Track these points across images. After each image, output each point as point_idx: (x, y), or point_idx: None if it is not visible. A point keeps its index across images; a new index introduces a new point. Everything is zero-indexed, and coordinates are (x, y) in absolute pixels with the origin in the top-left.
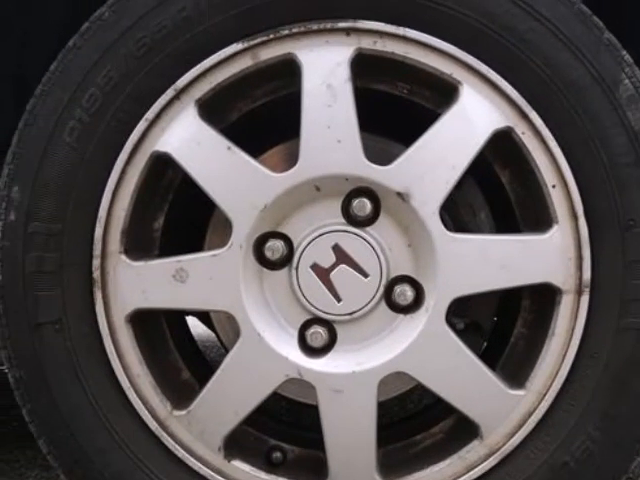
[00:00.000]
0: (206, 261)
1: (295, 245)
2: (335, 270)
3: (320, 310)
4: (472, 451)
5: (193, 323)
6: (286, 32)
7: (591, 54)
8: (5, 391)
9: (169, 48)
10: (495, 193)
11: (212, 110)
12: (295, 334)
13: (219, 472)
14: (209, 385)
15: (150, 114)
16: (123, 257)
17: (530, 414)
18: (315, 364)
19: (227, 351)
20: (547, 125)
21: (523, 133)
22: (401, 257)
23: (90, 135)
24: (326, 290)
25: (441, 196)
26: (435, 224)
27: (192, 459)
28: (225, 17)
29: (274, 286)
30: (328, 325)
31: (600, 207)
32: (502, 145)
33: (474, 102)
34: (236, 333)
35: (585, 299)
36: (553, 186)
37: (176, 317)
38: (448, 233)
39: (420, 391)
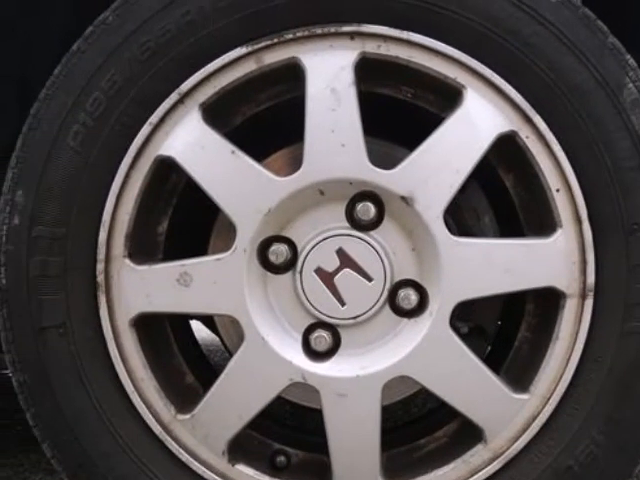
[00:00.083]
0: (210, 265)
1: (299, 249)
2: (339, 274)
3: (324, 314)
4: (476, 455)
5: (197, 327)
6: (290, 36)
7: (595, 58)
8: (9, 395)
9: (173, 52)
10: (499, 197)
11: (216, 114)
12: (299, 338)
13: (223, 476)
14: (213, 389)
15: (154, 118)
16: (127, 261)
17: (534, 418)
18: (319, 368)
19: (231, 355)
20: (551, 129)
21: (527, 137)
22: (405, 261)
23: (94, 139)
24: (330, 294)
25: (445, 200)
26: (439, 228)
27: (196, 463)
28: (229, 21)
29: (278, 290)
30: (332, 329)
31: (604, 211)
32: (506, 149)
33: (478, 106)
34: (240, 337)
35: (589, 303)
36: (557, 190)
37: (180, 321)
38: (452, 237)
39: (424, 395)
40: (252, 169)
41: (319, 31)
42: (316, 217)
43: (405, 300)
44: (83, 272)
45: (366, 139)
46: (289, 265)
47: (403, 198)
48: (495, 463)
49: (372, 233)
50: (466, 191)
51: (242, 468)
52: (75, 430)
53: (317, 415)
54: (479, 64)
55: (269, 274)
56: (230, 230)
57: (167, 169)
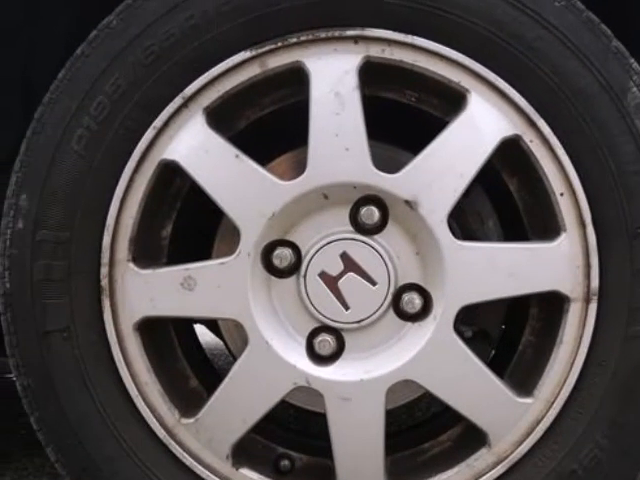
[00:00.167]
0: (214, 269)
1: (303, 253)
2: (343, 278)
3: (328, 318)
4: (480, 459)
5: (201, 331)
6: (294, 40)
7: (599, 62)
8: (13, 399)
9: (177, 56)
10: (503, 201)
11: (220, 118)
12: (303, 342)
13: None
14: (217, 393)
15: (158, 122)
16: (131, 265)
17: (538, 422)
18: (323, 372)
19: (235, 359)
20: (555, 133)
21: (531, 141)
22: (409, 265)
23: (98, 143)
24: (334, 298)
25: (449, 204)
26: (443, 232)
27: (200, 467)
28: (233, 25)
29: (282, 294)
30: (336, 333)
31: (608, 215)
32: (510, 153)
33: (482, 110)
34: (244, 341)
35: (593, 307)
36: (561, 194)
37: (184, 325)
38: (456, 241)
39: (428, 399)
40: (256, 173)
41: (323, 35)
42: (320, 221)
43: (409, 304)
44: (87, 276)
45: (370, 143)
46: (293, 269)
47: (407, 202)
48: (499, 467)
49: (376, 237)
50: (470, 195)
51: (246, 472)
52: (79, 434)
53: (321, 419)
54: (483, 68)
55: (273, 278)
56: (234, 234)
57: (171, 173)
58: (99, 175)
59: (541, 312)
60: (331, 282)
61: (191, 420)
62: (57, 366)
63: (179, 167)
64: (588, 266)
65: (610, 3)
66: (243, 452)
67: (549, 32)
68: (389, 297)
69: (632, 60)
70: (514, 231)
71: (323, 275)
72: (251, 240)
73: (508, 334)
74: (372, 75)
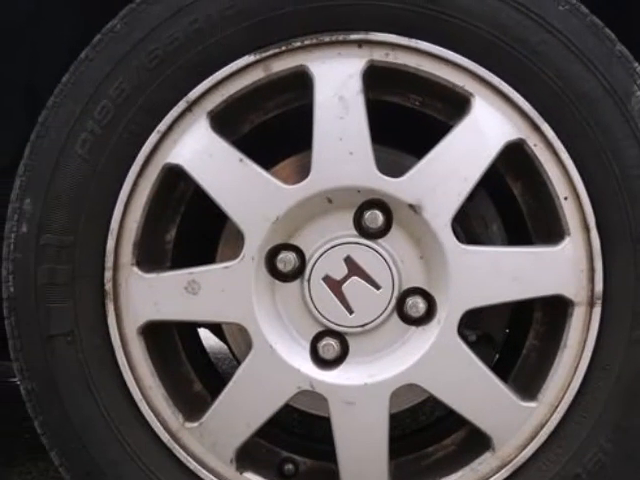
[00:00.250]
0: (218, 273)
1: (307, 257)
2: (347, 282)
3: (332, 322)
4: (484, 463)
5: (205, 335)
6: (298, 44)
7: (603, 66)
8: (17, 403)
9: (181, 60)
10: (507, 205)
11: (224, 122)
12: (307, 346)
13: None
14: (221, 397)
15: (162, 126)
16: (135, 269)
17: (542, 426)
18: (327, 376)
19: (239, 363)
20: (559, 137)
21: (535, 145)
22: (413, 269)
23: (102, 147)
24: (338, 302)
25: (453, 208)
26: (447, 236)
27: (204, 471)
28: (237, 29)
29: (286, 298)
30: (340, 337)
31: (612, 219)
32: (514, 157)
33: (486, 114)
34: (248, 345)
35: (597, 311)
36: (565, 198)
37: (188, 329)
38: (460, 245)
39: (432, 403)
40: (260, 177)
41: (327, 39)
42: (324, 225)
43: (413, 308)
44: (91, 280)
45: (374, 147)
46: (297, 273)
47: (411, 206)
48: (503, 471)
49: (380, 241)
50: (474, 199)
51: (250, 476)
52: (83, 438)
53: (325, 423)
54: (487, 72)
55: (277, 282)
56: (238, 238)
57: (175, 177)
58: (103, 179)
59: (545, 316)
60: (335, 286)
61: (195, 424)
62: (61, 370)
63: (183, 171)
64: (592, 270)
65: (614, 7)
66: (247, 456)
67: (553, 36)
68: (393, 301)
69: (636, 64)
70: (518, 235)
71: (327, 279)
72: (255, 244)
73: (512, 338)
74: (376, 79)
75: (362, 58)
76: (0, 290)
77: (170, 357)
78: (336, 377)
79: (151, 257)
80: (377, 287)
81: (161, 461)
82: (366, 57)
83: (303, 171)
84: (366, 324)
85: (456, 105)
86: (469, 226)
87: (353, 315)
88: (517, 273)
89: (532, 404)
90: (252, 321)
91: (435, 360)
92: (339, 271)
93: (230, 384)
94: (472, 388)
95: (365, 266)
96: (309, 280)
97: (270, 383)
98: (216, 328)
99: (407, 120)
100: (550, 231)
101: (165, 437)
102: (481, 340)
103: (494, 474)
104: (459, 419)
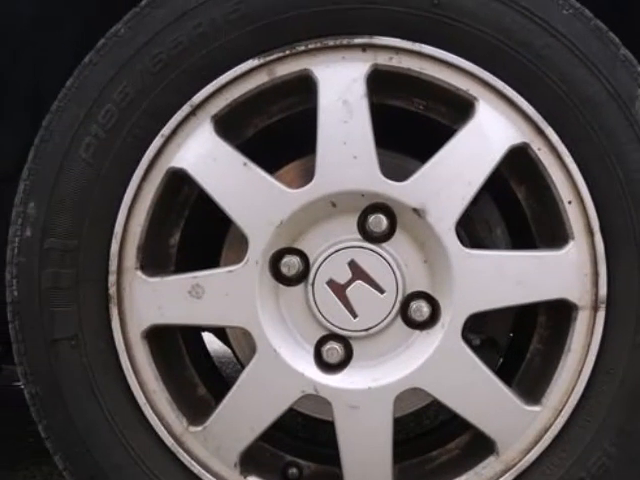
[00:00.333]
0: (222, 277)
1: (311, 261)
2: (351, 286)
3: (336, 326)
4: (488, 467)
5: (209, 339)
6: (302, 48)
7: (607, 70)
8: (21, 407)
9: (185, 64)
10: (511, 209)
11: (228, 126)
12: (311, 350)
13: None
14: (225, 401)
15: (166, 130)
16: (139, 273)
17: (546, 430)
18: (331, 380)
19: (243, 367)
20: (563, 141)
21: (539, 149)
22: (417, 273)
23: (106, 151)
24: (342, 306)
25: (457, 212)
26: (451, 240)
27: (208, 475)
28: (241, 33)
29: (290, 302)
30: (344, 341)
31: (616, 223)
32: (518, 161)
33: (490, 118)
34: (252, 349)
35: (601, 315)
36: (569, 202)
37: (192, 333)
38: (464, 249)
39: (436, 407)
40: (264, 181)
41: (331, 43)
42: (328, 229)
43: (417, 312)
44: (95, 284)
45: (378, 151)
46: (301, 277)
47: (415, 210)
48: (507, 475)
49: (384, 245)
50: (478, 203)
51: None
52: (87, 442)
53: (329, 427)
54: (491, 76)
55: (281, 286)
56: (242, 242)
57: (179, 181)
58: (107, 183)
59: (549, 320)
60: (339, 290)
61: (199, 428)
62: (65, 374)
63: (187, 175)
64: (596, 274)
65: (618, 11)
66: (251, 460)
67: (557, 40)
68: (397, 305)
69: None
70: (522, 239)
71: (331, 283)
72: (259, 248)
73: (516, 342)
74: (380, 83)
75: (366, 62)
76: (4, 294)
77: (174, 361)
78: (340, 381)
79: (155, 261)
80: (381, 291)
81: (165, 465)
82: (370, 61)
83: (307, 175)
84: (370, 328)
85: (460, 109)
86: (473, 230)
87: (357, 319)
88: (521, 277)
89: (536, 408)
90: (256, 325)
91: (439, 364)
92: (343, 275)
93: (234, 388)
94: (476, 392)
95: (369, 270)
96: (313, 284)
97: (274, 387)
98: (220, 332)
99: (411, 124)
100: (554, 235)
101: (169, 441)
102: (485, 344)
103: (498, 478)
104: (463, 423)
